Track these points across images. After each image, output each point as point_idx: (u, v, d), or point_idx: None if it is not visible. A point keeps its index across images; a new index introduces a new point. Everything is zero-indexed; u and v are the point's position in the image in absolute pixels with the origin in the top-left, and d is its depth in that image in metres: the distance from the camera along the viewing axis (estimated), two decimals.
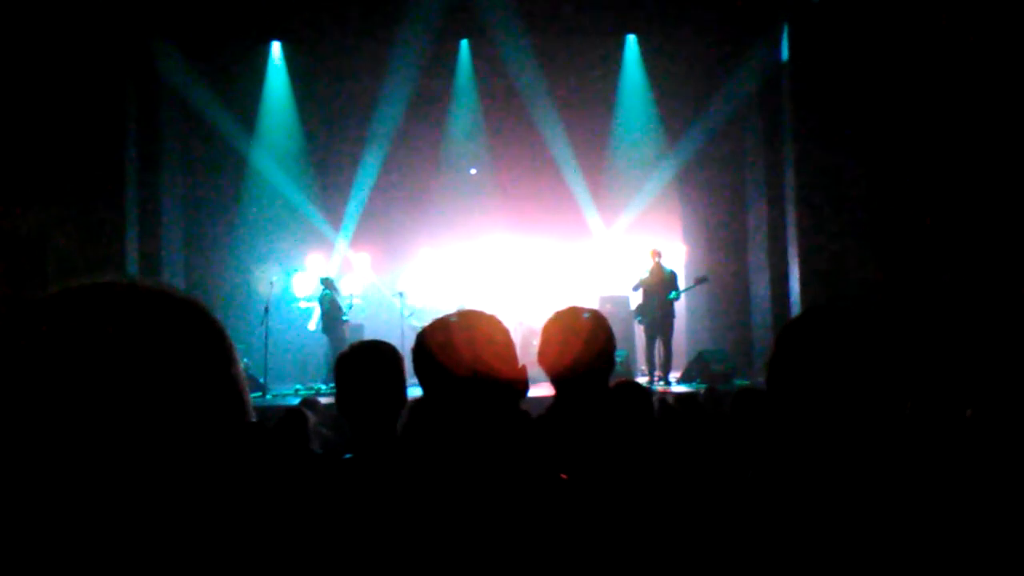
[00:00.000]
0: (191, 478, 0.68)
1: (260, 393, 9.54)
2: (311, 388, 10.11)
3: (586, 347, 2.28)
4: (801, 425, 1.43)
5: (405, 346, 2.08)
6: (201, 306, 0.74)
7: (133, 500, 0.65)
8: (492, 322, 1.67)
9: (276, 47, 11.58)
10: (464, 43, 11.75)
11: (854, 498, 1.35)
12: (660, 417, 3.84)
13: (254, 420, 0.75)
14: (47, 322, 0.68)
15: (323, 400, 6.96)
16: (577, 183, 11.83)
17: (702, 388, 8.41)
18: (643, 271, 10.04)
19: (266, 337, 9.84)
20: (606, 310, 9.72)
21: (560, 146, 11.64)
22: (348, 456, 2.16)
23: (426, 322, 1.71)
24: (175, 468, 0.67)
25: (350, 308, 10.56)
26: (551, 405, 2.34)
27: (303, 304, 11.34)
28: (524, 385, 1.65)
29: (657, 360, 9.94)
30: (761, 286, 10.84)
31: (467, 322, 1.65)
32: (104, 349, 0.66)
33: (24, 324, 0.68)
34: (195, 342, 0.71)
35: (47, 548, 0.64)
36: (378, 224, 11.89)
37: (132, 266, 9.62)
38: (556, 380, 2.34)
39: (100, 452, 0.64)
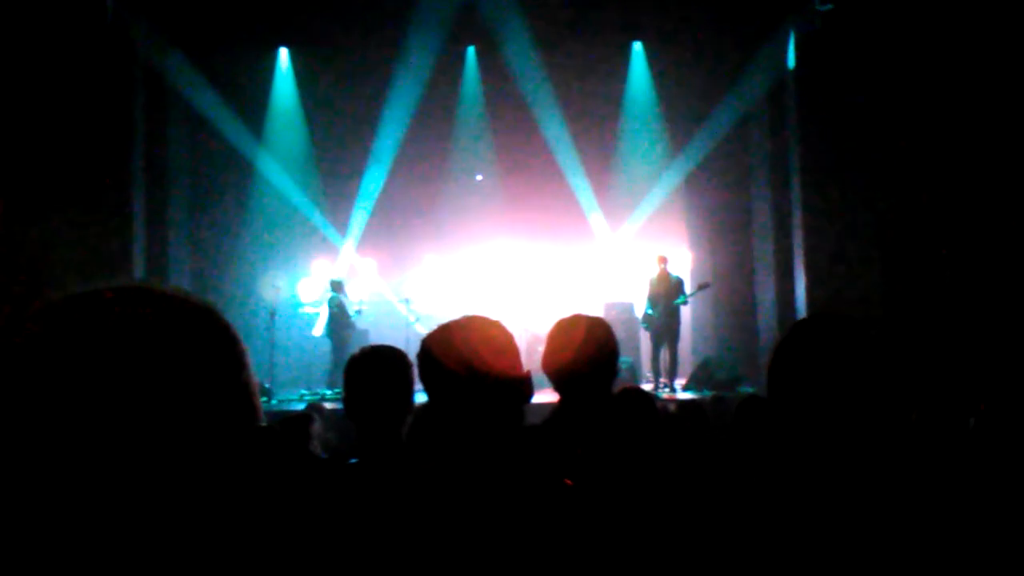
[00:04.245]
0: (201, 482, 0.69)
1: (266, 398, 9.55)
2: (316, 393, 10.12)
3: (587, 349, 2.29)
4: (802, 433, 1.43)
5: (410, 352, 2.09)
6: (214, 311, 0.75)
7: (142, 503, 0.66)
8: (494, 325, 1.68)
9: (284, 54, 11.63)
10: (471, 50, 11.78)
11: (858, 506, 1.35)
12: (664, 424, 3.84)
13: (264, 425, 0.76)
14: (60, 325, 0.69)
15: (328, 405, 6.98)
16: (583, 190, 11.84)
17: (707, 395, 8.40)
18: (649, 277, 10.04)
19: (272, 342, 9.86)
20: (611, 316, 9.71)
21: (566, 153, 11.65)
22: (353, 461, 2.17)
23: (431, 328, 1.72)
24: (185, 472, 0.68)
25: (358, 314, 10.58)
26: (555, 410, 2.35)
27: (308, 309, 11.35)
28: (528, 388, 1.65)
29: (662, 367, 9.93)
30: (767, 293, 10.82)
31: (469, 325, 1.66)
32: (116, 352, 0.67)
33: (36, 328, 0.69)
34: (207, 347, 0.72)
35: (58, 551, 0.64)
36: (384, 230, 11.90)
37: (138, 271, 9.65)
38: (559, 384, 2.35)
39: (109, 456, 0.65)
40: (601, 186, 11.94)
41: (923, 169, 9.23)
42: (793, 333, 1.51)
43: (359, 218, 11.92)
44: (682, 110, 11.70)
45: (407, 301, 10.82)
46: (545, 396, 2.60)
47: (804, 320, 1.61)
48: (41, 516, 0.64)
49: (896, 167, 9.34)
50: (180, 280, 10.67)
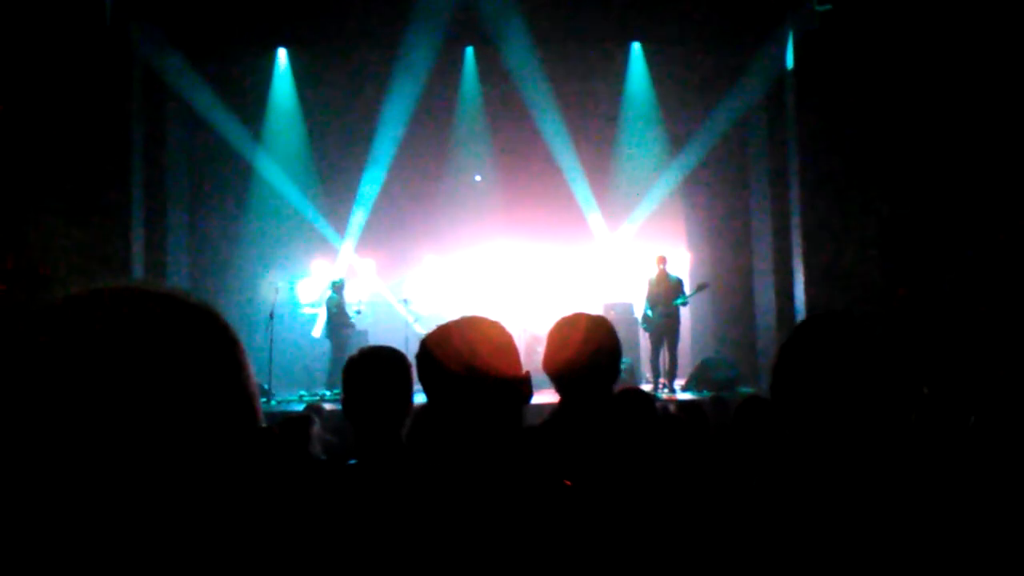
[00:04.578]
0: (201, 483, 0.69)
1: (265, 399, 9.55)
2: (315, 394, 10.12)
3: (588, 346, 2.29)
4: (805, 434, 1.43)
5: (409, 353, 2.09)
6: (213, 311, 0.74)
7: (142, 505, 0.66)
8: (493, 325, 1.68)
9: (282, 54, 11.64)
10: (469, 50, 11.79)
11: (858, 507, 1.35)
12: (664, 425, 3.84)
13: (264, 426, 0.75)
14: (59, 326, 0.68)
15: (327, 406, 6.97)
16: (582, 190, 11.84)
17: (707, 396, 8.40)
18: (648, 278, 10.05)
19: (271, 343, 9.86)
20: (610, 317, 9.68)
21: (565, 153, 11.65)
22: (352, 462, 2.16)
23: (430, 329, 1.72)
24: (185, 473, 0.68)
25: (358, 314, 10.59)
26: (555, 410, 2.34)
27: (308, 310, 11.35)
28: (528, 389, 1.65)
29: (662, 367, 9.93)
30: (766, 293, 10.83)
31: (468, 325, 1.66)
32: (115, 353, 0.67)
33: (35, 328, 0.69)
34: (206, 348, 0.72)
35: (58, 552, 0.64)
36: (383, 230, 11.91)
37: (137, 271, 9.65)
38: (560, 383, 2.35)
39: (108, 458, 0.65)
40: (600, 186, 11.95)
41: (922, 169, 9.24)
42: (798, 333, 1.50)
43: (358, 218, 11.93)
44: (681, 110, 11.71)
45: (406, 302, 10.83)
46: (545, 397, 2.59)
47: (809, 319, 1.60)
48: (39, 519, 0.64)
49: (895, 167, 9.35)
50: (179, 280, 10.66)
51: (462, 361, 1.58)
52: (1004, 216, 8.96)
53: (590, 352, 2.28)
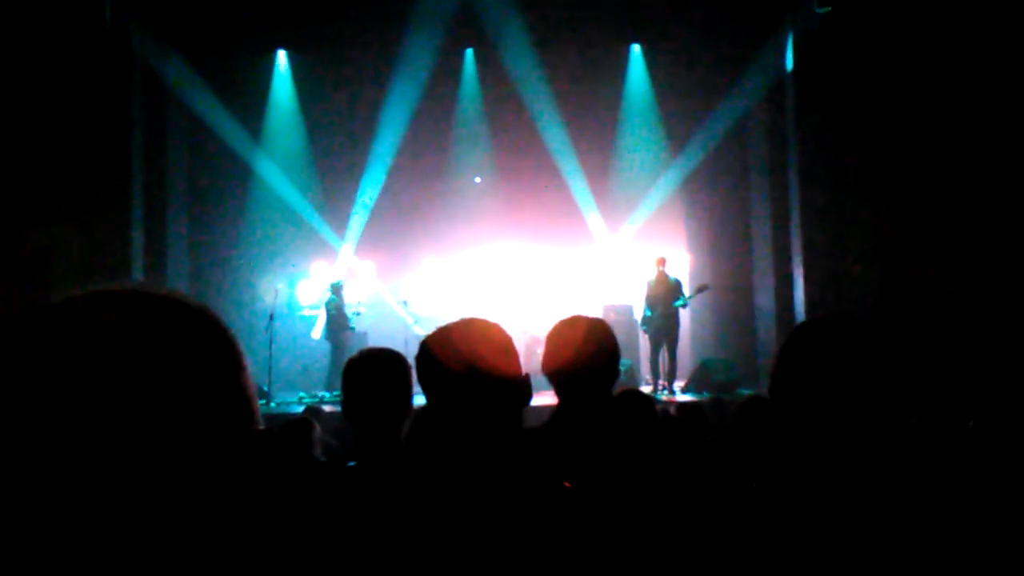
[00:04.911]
0: (199, 485, 0.69)
1: (264, 401, 9.54)
2: (315, 396, 10.12)
3: (587, 348, 2.29)
4: (805, 436, 1.43)
5: (409, 354, 2.09)
6: (213, 314, 0.74)
7: (140, 506, 0.66)
8: (493, 326, 1.68)
9: (282, 56, 11.65)
10: (469, 52, 11.80)
11: (859, 509, 1.35)
12: (663, 426, 3.84)
13: (262, 428, 0.75)
14: (58, 327, 0.68)
15: (326, 408, 6.97)
16: (582, 192, 11.85)
17: (706, 397, 8.39)
18: (648, 279, 10.05)
19: (270, 345, 9.85)
20: (610, 319, 9.72)
21: (565, 155, 11.66)
22: (352, 464, 2.16)
23: (430, 330, 1.72)
24: (183, 475, 0.68)
25: (357, 316, 10.59)
26: (555, 412, 2.34)
27: (307, 312, 11.36)
28: (527, 390, 1.65)
29: (661, 369, 9.93)
30: (765, 295, 10.83)
31: (468, 326, 1.66)
32: (114, 355, 0.67)
33: (35, 330, 0.69)
34: (206, 350, 0.72)
35: (57, 554, 0.64)
36: (383, 232, 11.91)
37: (137, 273, 9.65)
38: (559, 385, 2.35)
39: (107, 459, 0.65)
40: (600, 188, 11.96)
41: (922, 170, 9.25)
42: (797, 335, 1.51)
43: (358, 220, 11.93)
44: (680, 112, 11.72)
45: (406, 303, 10.83)
46: (544, 399, 2.59)
47: (808, 322, 1.61)
48: (39, 519, 0.64)
49: (895, 168, 9.35)
50: (179, 282, 10.67)
51: (462, 362, 1.58)
52: (1004, 215, 8.96)
53: (589, 354, 2.28)
